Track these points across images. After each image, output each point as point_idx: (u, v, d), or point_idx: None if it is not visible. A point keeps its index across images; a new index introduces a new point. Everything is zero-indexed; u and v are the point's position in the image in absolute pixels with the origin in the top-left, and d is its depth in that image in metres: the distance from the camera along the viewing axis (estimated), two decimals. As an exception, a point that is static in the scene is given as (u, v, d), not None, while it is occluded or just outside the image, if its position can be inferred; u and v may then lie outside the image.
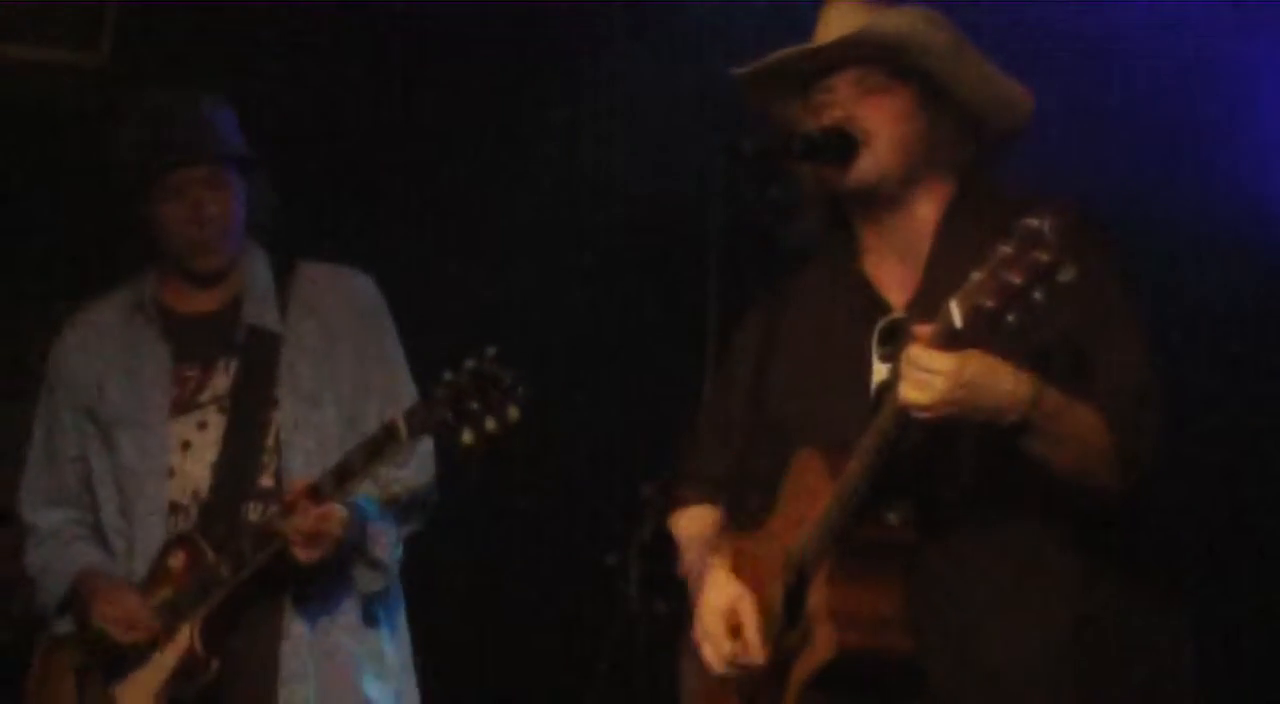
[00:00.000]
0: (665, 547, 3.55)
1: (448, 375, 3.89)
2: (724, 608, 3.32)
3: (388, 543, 4.21)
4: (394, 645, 4.31)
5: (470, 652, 5.32)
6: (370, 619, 4.24)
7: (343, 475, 4.00)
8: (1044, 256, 2.82)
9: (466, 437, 3.92)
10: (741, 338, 3.55)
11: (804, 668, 3.23)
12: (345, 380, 4.26)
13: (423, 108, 5.53)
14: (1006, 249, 2.86)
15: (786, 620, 3.30)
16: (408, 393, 4.24)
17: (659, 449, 3.68)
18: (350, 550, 4.14)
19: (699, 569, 3.43)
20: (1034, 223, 2.84)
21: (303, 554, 4.01)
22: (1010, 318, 2.87)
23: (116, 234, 4.58)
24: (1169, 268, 4.58)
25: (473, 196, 5.54)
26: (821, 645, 3.19)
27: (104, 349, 4.36)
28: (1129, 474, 3.17)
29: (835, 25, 3.36)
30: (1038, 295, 2.84)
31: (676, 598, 3.57)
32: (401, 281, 5.20)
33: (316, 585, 4.16)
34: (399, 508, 4.24)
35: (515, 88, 5.47)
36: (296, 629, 4.14)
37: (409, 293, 5.30)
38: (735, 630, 3.30)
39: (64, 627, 4.33)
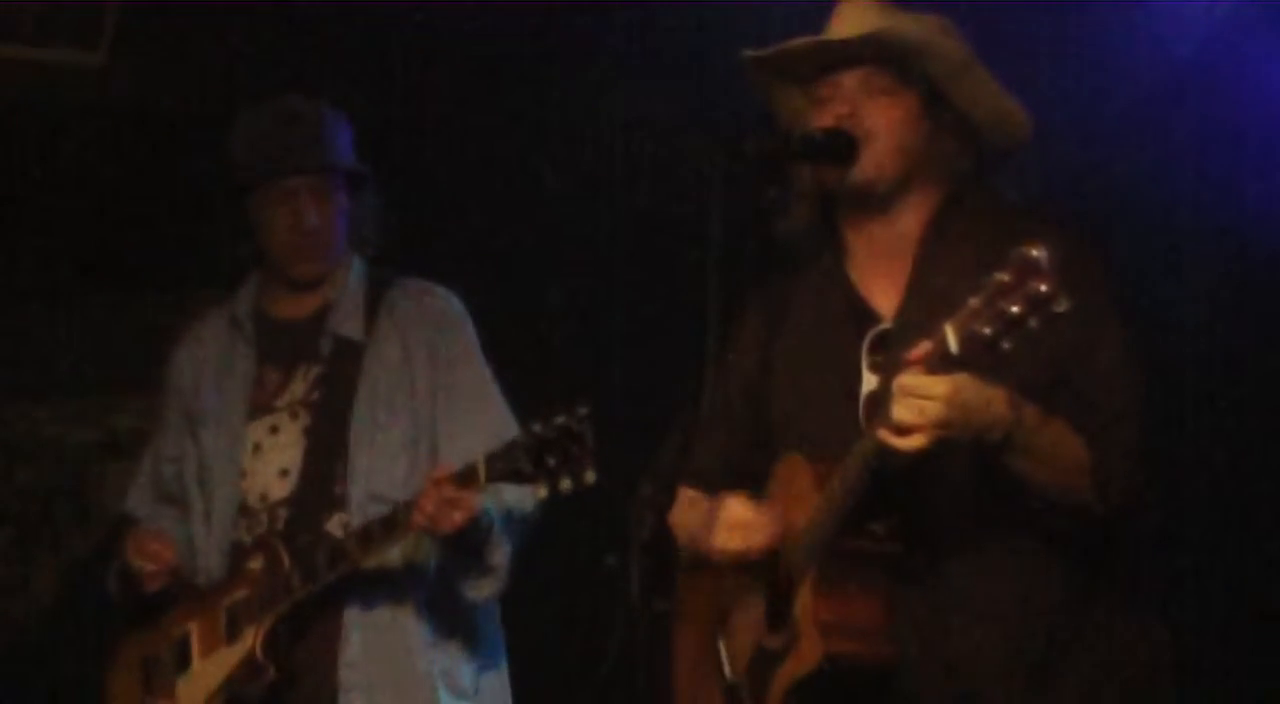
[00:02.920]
0: (665, 547, 3.55)
1: (536, 426, 3.88)
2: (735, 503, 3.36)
3: (506, 551, 4.20)
4: (473, 667, 4.29)
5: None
6: (447, 636, 4.24)
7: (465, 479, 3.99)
8: (1042, 287, 2.84)
9: (541, 491, 3.93)
10: (742, 336, 3.56)
11: (788, 673, 3.26)
12: (420, 394, 4.27)
13: (423, 107, 5.53)
14: (1003, 277, 2.88)
15: (768, 625, 3.33)
16: (485, 413, 4.23)
17: (659, 448, 3.68)
18: (465, 555, 4.14)
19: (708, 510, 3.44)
20: (1032, 252, 2.86)
21: (419, 525, 3.99)
22: (1005, 345, 2.90)
23: (117, 234, 4.60)
24: (1167, 267, 4.58)
25: (472, 195, 5.54)
26: (807, 652, 3.21)
27: (205, 353, 4.43)
28: (1106, 494, 3.20)
29: (850, 23, 3.37)
30: (1033, 323, 2.87)
31: (676, 597, 3.58)
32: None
33: (382, 599, 4.18)
34: (512, 521, 4.23)
35: (516, 88, 5.47)
36: (355, 639, 4.14)
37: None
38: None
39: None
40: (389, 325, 4.32)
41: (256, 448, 4.28)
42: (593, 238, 5.48)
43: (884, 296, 3.39)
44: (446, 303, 4.40)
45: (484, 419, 4.21)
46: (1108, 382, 3.23)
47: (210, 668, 4.20)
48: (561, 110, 5.48)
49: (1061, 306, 2.85)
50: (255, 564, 4.19)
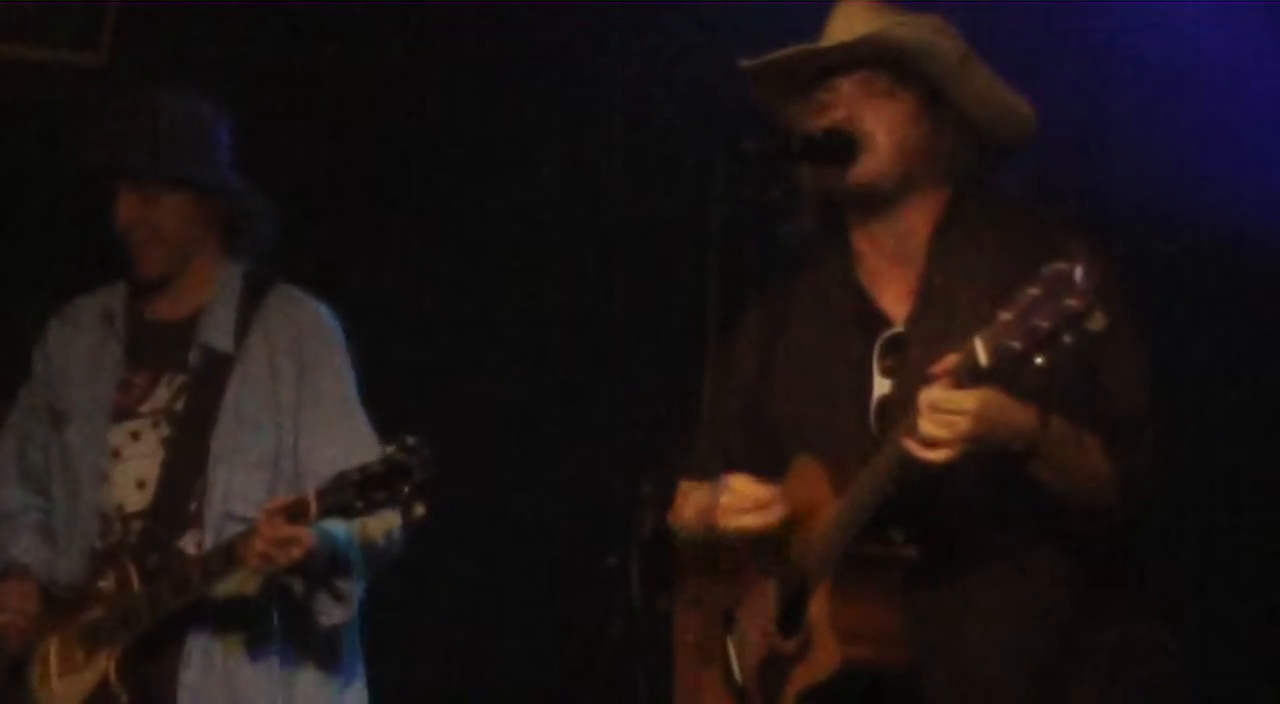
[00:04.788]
0: (665, 547, 3.55)
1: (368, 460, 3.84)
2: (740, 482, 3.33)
3: (356, 577, 4.13)
4: (326, 692, 4.21)
5: (469, 652, 5.32)
6: (296, 661, 4.17)
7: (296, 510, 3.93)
8: (1075, 304, 2.83)
9: (371, 527, 3.95)
10: (742, 337, 3.56)
11: (803, 678, 3.25)
12: (284, 410, 4.19)
13: (423, 107, 5.53)
14: (1035, 291, 2.86)
15: (781, 628, 3.32)
16: (344, 428, 4.17)
17: (659, 448, 3.68)
18: (314, 581, 4.09)
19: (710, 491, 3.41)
20: (1064, 268, 2.84)
21: (254, 563, 3.96)
22: (1038, 360, 2.88)
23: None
24: (1168, 266, 4.58)
25: (473, 196, 5.54)
26: (824, 657, 3.21)
27: (74, 344, 4.35)
28: (1128, 497, 3.21)
29: (844, 26, 3.37)
30: (1067, 340, 2.85)
31: (677, 597, 3.58)
32: (401, 281, 5.19)
33: (228, 623, 4.12)
34: (373, 551, 4.17)
35: (515, 88, 5.47)
36: (195, 662, 4.09)
37: (407, 293, 5.30)
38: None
39: None
40: (260, 338, 4.23)
41: (116, 454, 4.22)
42: (592, 238, 5.47)
43: (894, 300, 3.38)
44: (317, 314, 4.30)
45: (343, 434, 4.15)
46: (1129, 388, 3.24)
47: (67, 690, 4.16)
48: (562, 110, 5.48)
49: (1095, 324, 2.83)
50: (106, 583, 4.15)
